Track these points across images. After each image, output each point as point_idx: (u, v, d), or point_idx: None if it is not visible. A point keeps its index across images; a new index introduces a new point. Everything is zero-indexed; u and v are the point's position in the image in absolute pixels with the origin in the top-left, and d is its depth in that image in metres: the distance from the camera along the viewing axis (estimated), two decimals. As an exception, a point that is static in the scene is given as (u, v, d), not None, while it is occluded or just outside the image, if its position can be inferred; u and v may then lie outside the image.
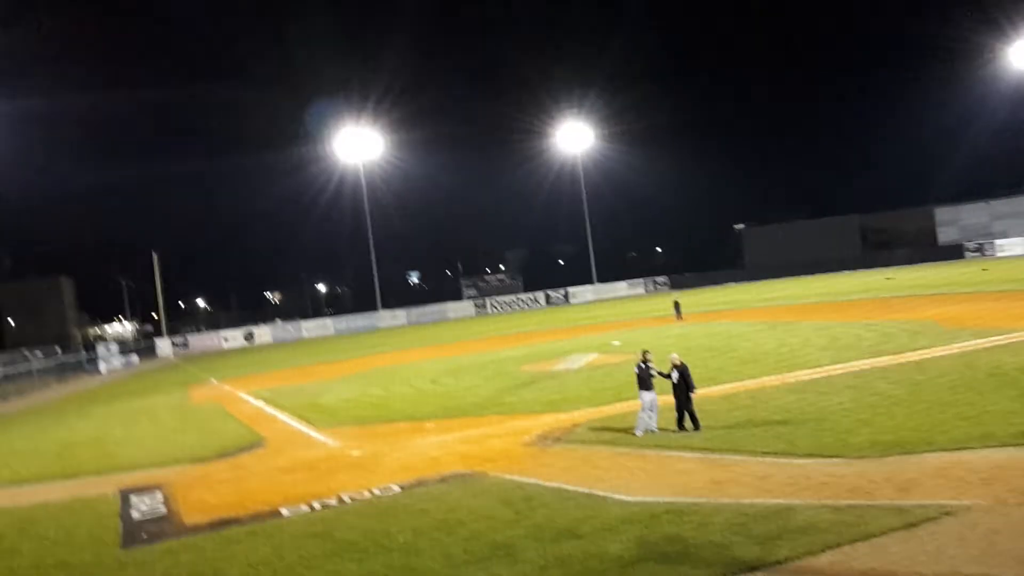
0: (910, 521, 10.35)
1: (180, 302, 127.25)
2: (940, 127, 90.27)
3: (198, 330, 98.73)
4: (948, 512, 10.53)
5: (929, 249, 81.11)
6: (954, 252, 76.37)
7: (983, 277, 48.77)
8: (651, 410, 16.79)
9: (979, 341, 24.34)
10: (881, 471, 12.70)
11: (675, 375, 16.65)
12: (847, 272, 72.40)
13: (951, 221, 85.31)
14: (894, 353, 23.91)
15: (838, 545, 9.86)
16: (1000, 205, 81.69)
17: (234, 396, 34.31)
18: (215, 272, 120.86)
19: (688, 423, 16.65)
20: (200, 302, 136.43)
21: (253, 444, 22.06)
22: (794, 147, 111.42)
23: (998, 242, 74.05)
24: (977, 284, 44.82)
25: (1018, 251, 69.55)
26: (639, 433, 16.73)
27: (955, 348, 23.57)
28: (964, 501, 10.84)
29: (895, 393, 18.13)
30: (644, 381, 16.88)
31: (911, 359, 22.48)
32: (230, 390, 36.98)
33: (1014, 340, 23.81)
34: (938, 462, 12.80)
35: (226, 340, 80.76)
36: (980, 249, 74.50)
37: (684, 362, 17.02)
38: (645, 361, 17.09)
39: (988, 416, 15.07)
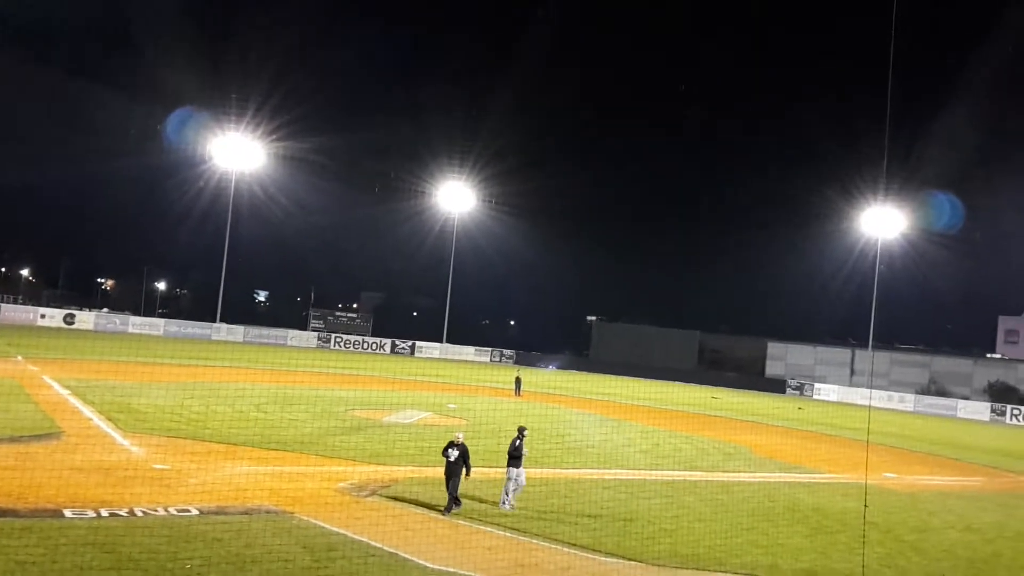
0: (690, 635, 10.80)
1: (2, 267, 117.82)
2: (787, 272, 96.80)
3: (14, 300, 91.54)
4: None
5: (756, 378, 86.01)
6: (777, 386, 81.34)
7: (798, 415, 52.04)
8: (519, 487, 16.89)
9: (783, 475, 25.93)
10: (673, 582, 13.22)
11: (454, 453, 16.28)
12: (681, 383, 75.59)
13: (780, 356, 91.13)
14: (706, 470, 25.08)
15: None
16: (824, 352, 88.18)
17: (38, 379, 31.93)
18: (48, 244, 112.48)
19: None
20: (24, 271, 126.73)
21: (48, 434, 20.59)
22: (656, 256, 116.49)
23: (817, 385, 79.51)
24: (791, 420, 47.77)
25: (833, 397, 74.84)
26: (511, 507, 16.71)
27: (761, 477, 24.99)
28: (742, 625, 11.43)
29: (700, 509, 19.00)
30: (515, 457, 16.95)
31: (720, 479, 23.65)
32: (35, 371, 34.39)
33: (814, 480, 25.51)
34: (726, 583, 13.46)
35: (43, 317, 75.17)
36: (800, 388, 79.71)
37: (466, 444, 16.66)
38: (521, 438, 17.22)
39: (779, 548, 16.01)
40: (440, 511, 16.09)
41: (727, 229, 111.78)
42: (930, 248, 78.63)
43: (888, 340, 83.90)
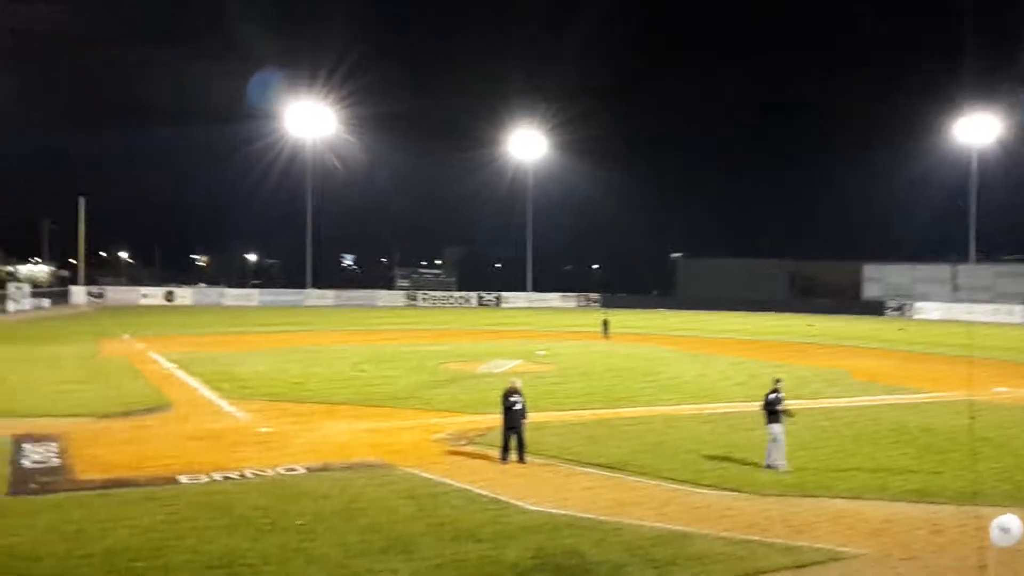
0: (799, 562, 10.66)
1: (102, 251, 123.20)
2: (878, 190, 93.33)
3: (117, 282, 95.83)
4: (836, 558, 10.87)
5: (852, 302, 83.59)
6: (875, 308, 78.86)
7: (899, 336, 50.47)
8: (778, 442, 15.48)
9: (887, 397, 25.22)
10: (779, 510, 13.03)
11: (520, 400, 15.86)
12: (772, 313, 74.12)
13: (876, 278, 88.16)
14: (806, 398, 24.52)
15: (729, 577, 10.09)
16: (923, 269, 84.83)
17: (145, 355, 33.39)
18: (143, 226, 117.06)
19: (514, 450, 15.79)
20: (123, 254, 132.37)
21: (159, 407, 21.52)
22: (738, 187, 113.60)
23: (918, 304, 76.79)
24: (892, 342, 46.37)
25: (935, 315, 72.27)
26: (781, 466, 15.30)
27: (863, 401, 24.35)
28: (853, 549, 11.20)
29: (802, 437, 18.59)
30: (774, 412, 15.64)
31: (821, 406, 23.11)
32: (142, 348, 35.98)
33: (920, 400, 24.74)
34: (834, 508, 13.19)
35: (145, 296, 78.52)
36: (901, 308, 77.13)
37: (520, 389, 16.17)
38: (776, 391, 15.84)
39: (886, 470, 15.60)
40: (539, 449, 16.14)
41: (810, 150, 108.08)
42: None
43: (991, 252, 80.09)
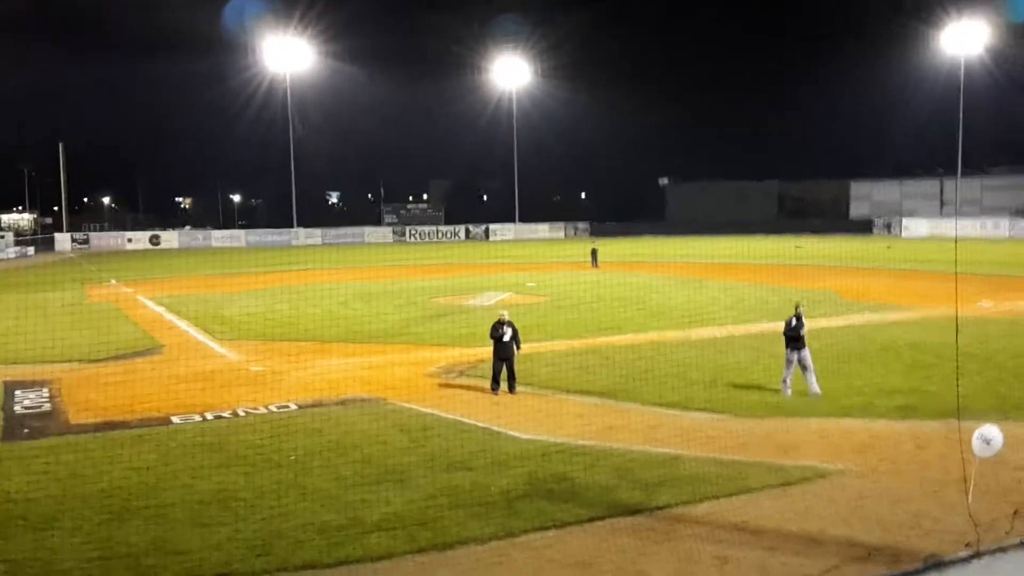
0: (786, 480, 10.83)
1: (85, 198, 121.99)
2: (864, 106, 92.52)
3: (101, 228, 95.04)
4: (822, 475, 11.06)
5: (841, 221, 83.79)
6: (864, 226, 79.09)
7: (887, 254, 50.65)
8: (807, 369, 15.23)
9: (875, 315, 25.42)
10: (766, 430, 13.22)
11: (508, 332, 15.88)
12: (762, 235, 74.19)
13: (864, 196, 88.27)
14: (794, 319, 24.70)
15: (716, 496, 10.26)
16: (911, 185, 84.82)
17: (133, 299, 33.28)
18: (124, 171, 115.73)
19: (504, 381, 15.91)
20: (106, 200, 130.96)
21: (149, 349, 21.53)
22: (724, 109, 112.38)
23: (905, 220, 76.99)
24: (880, 260, 46.56)
25: (923, 231, 72.55)
26: (787, 393, 15.18)
27: (851, 320, 24.52)
28: (838, 465, 11.39)
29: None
30: (792, 338, 15.27)
31: (809, 327, 23.20)
32: (130, 293, 35.84)
33: (908, 317, 24.94)
34: (820, 427, 13.39)
35: (130, 241, 77.99)
36: (888, 226, 77.34)
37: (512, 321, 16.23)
38: (798, 316, 15.49)
39: (873, 388, 15.79)
40: (531, 380, 16.27)
41: (796, 66, 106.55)
42: (1013, 55, 72.73)
43: (979, 165, 79.80)
